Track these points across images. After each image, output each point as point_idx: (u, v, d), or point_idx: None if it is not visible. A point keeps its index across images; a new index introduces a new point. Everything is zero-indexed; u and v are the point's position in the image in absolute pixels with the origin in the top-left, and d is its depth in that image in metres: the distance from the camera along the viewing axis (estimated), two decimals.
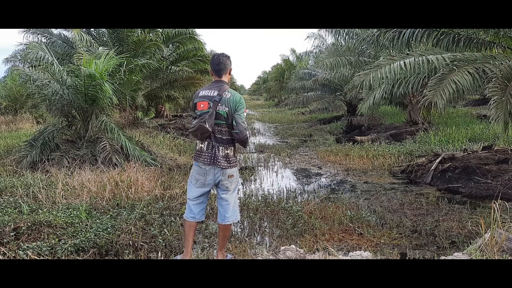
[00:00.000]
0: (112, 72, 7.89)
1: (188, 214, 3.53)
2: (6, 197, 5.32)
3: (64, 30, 12.42)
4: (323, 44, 18.90)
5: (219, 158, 3.36)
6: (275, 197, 5.93)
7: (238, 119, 3.33)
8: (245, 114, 3.40)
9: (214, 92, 3.37)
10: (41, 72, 7.97)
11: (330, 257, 3.34)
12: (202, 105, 3.39)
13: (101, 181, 6.01)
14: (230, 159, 3.41)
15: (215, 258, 3.67)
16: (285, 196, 6.03)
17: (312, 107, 24.46)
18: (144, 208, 4.93)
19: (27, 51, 9.31)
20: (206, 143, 3.40)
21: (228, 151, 3.39)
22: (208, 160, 3.39)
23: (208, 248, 4.09)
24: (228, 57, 3.51)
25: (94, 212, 4.83)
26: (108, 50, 7.82)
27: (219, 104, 3.32)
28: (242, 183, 7.13)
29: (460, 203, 5.64)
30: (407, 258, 3.61)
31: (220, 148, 3.37)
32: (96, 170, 6.70)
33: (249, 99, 64.29)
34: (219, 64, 3.45)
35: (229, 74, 3.54)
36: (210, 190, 3.56)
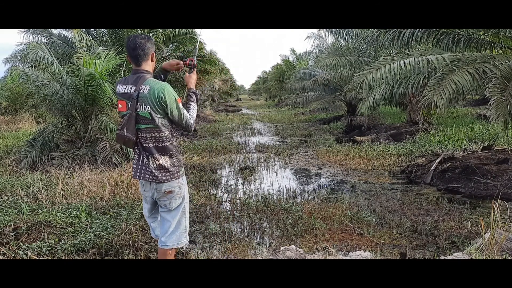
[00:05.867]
0: (112, 72, 7.91)
1: (151, 231, 3.00)
2: (6, 197, 5.33)
3: (64, 30, 12.41)
4: (323, 44, 18.94)
5: (150, 170, 2.65)
6: (275, 197, 5.93)
7: (176, 118, 2.63)
8: (179, 105, 2.63)
9: (130, 88, 2.61)
10: (41, 72, 7.97)
11: (330, 257, 3.34)
12: (120, 105, 2.69)
13: (101, 181, 6.02)
14: (166, 170, 2.67)
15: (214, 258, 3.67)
16: (285, 196, 6.03)
17: (312, 107, 24.44)
18: None
19: (27, 51, 9.34)
20: (134, 152, 2.75)
21: (161, 161, 2.65)
22: (134, 172, 2.72)
23: (208, 248, 4.09)
24: (148, 39, 2.68)
25: (94, 212, 4.83)
26: (108, 50, 7.83)
27: (138, 104, 2.58)
28: (242, 183, 7.10)
29: (460, 203, 5.64)
30: (407, 258, 3.61)
31: (150, 158, 2.65)
32: (96, 170, 6.71)
33: (249, 99, 64.42)
34: (135, 49, 2.62)
35: (152, 60, 2.73)
36: None
